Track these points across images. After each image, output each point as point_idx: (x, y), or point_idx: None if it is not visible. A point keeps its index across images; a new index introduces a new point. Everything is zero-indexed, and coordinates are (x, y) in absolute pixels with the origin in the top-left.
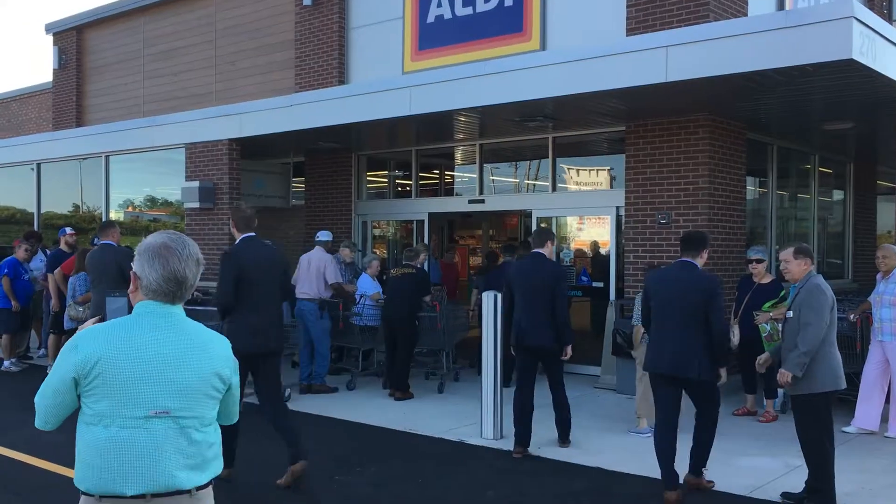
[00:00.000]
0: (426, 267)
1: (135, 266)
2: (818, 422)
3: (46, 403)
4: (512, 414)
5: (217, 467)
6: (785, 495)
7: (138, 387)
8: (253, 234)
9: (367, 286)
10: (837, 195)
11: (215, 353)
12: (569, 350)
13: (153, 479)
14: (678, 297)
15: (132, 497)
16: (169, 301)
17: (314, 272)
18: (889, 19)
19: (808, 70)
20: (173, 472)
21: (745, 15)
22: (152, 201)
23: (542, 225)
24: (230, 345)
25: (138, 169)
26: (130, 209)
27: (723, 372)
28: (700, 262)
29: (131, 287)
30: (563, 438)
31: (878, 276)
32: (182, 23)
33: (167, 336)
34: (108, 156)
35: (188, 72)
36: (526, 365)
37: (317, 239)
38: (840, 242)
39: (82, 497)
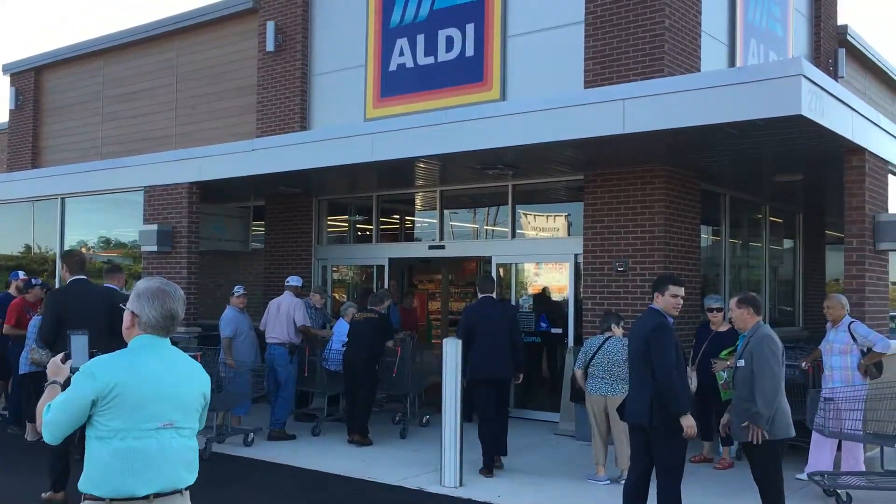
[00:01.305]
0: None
1: (132, 306)
2: (777, 468)
3: (60, 420)
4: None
5: (197, 469)
6: None
7: (149, 404)
8: (84, 277)
9: (345, 332)
10: (788, 244)
11: (200, 376)
12: (521, 377)
13: (164, 479)
14: (630, 344)
15: (142, 498)
16: (163, 334)
17: (284, 316)
18: (835, 77)
19: (759, 125)
20: (178, 473)
21: (699, 70)
22: (106, 243)
23: (486, 271)
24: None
25: (94, 210)
26: (84, 250)
27: (684, 421)
28: (658, 305)
29: (127, 324)
30: (499, 455)
31: (828, 325)
32: (143, 66)
33: (166, 363)
34: (65, 198)
35: (148, 115)
36: (490, 395)
37: (287, 283)
38: (790, 290)
39: (87, 501)
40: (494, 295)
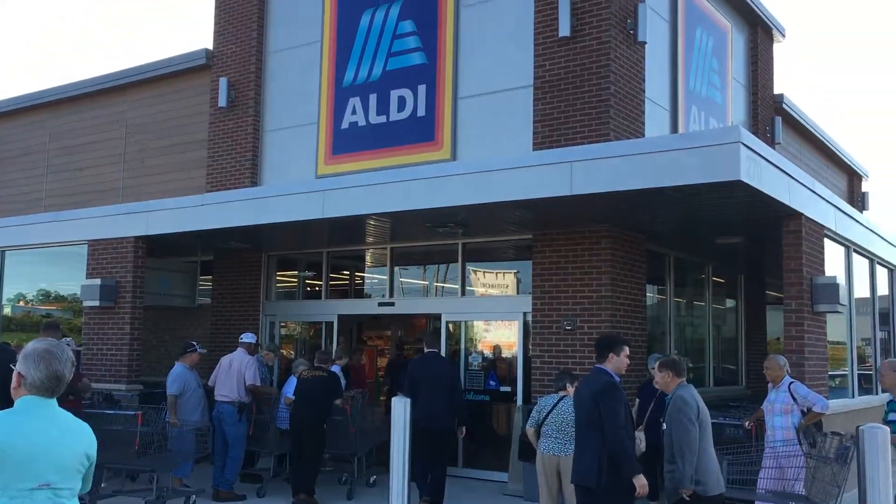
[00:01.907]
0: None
1: (19, 367)
2: None
3: None
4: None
5: None
6: None
7: (29, 464)
8: None
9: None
10: (730, 303)
11: (84, 437)
12: (464, 430)
13: None
14: (577, 405)
15: None
16: (48, 395)
17: (235, 374)
18: (772, 143)
19: (701, 188)
20: None
21: (643, 135)
22: (46, 295)
23: (435, 328)
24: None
25: (35, 263)
26: (22, 303)
27: (637, 481)
28: (609, 366)
29: (14, 384)
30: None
31: (770, 385)
32: (91, 118)
33: (49, 424)
34: (4, 250)
35: (94, 167)
36: (425, 445)
37: (241, 340)
38: (734, 349)
39: None
40: (440, 350)
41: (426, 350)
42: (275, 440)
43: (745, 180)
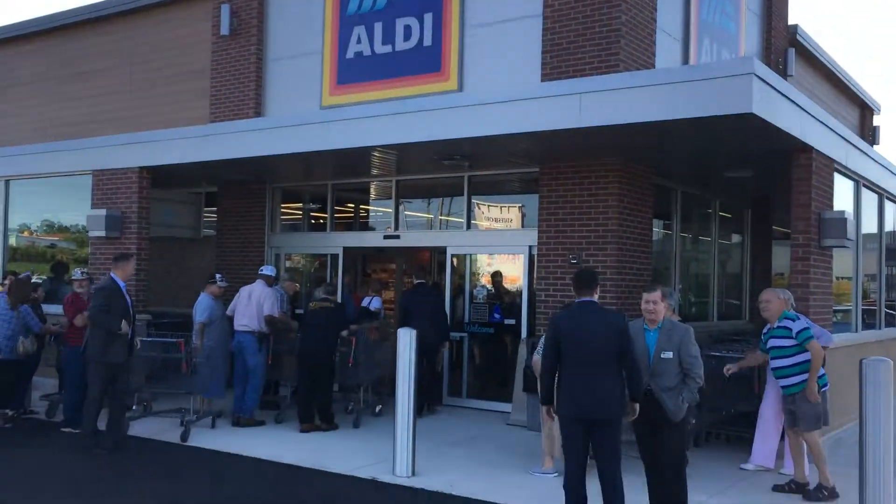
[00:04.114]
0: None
1: None
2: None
3: None
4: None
5: None
6: None
7: None
8: None
9: None
10: (736, 238)
11: None
12: (446, 344)
13: None
14: (593, 339)
15: None
16: None
17: (255, 305)
18: (784, 76)
19: (711, 121)
20: None
21: (653, 67)
22: (50, 226)
23: (417, 264)
24: None
25: (40, 193)
26: (26, 234)
27: (637, 407)
28: (596, 298)
29: None
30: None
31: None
32: (94, 46)
33: None
34: (9, 180)
35: (99, 96)
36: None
37: (260, 272)
38: (738, 284)
39: None
40: (427, 281)
41: (415, 282)
42: (292, 370)
43: (757, 113)
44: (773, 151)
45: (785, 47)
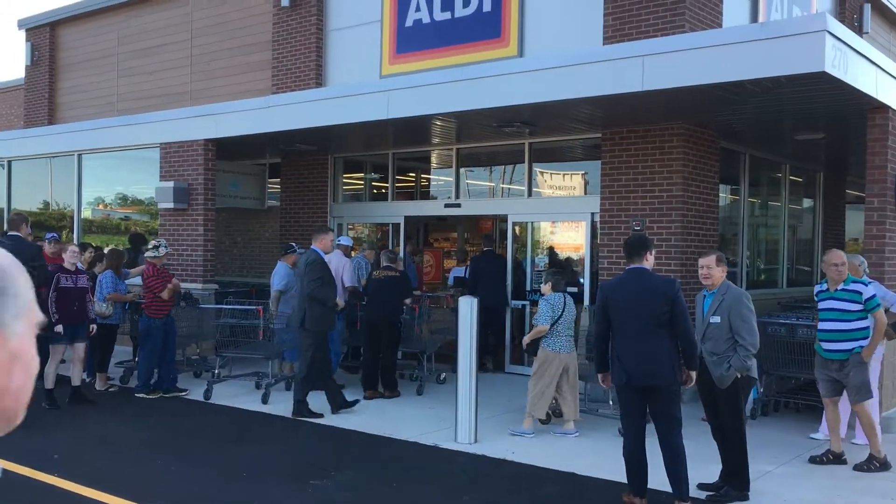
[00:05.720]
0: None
1: None
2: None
3: None
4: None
5: None
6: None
7: None
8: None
9: None
10: (807, 203)
11: None
12: (507, 309)
13: None
14: (641, 305)
15: None
16: None
17: (333, 275)
18: (860, 32)
19: (782, 81)
20: None
21: (720, 26)
22: (123, 199)
23: (501, 230)
24: None
25: (111, 167)
26: (101, 207)
27: (693, 374)
28: (647, 265)
29: None
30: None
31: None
32: (158, 21)
33: None
34: (81, 154)
35: (164, 70)
36: (488, 320)
37: (338, 243)
38: (809, 249)
39: None
40: (495, 249)
41: (484, 249)
42: None
43: (830, 72)
44: (847, 111)
45: (860, 3)
